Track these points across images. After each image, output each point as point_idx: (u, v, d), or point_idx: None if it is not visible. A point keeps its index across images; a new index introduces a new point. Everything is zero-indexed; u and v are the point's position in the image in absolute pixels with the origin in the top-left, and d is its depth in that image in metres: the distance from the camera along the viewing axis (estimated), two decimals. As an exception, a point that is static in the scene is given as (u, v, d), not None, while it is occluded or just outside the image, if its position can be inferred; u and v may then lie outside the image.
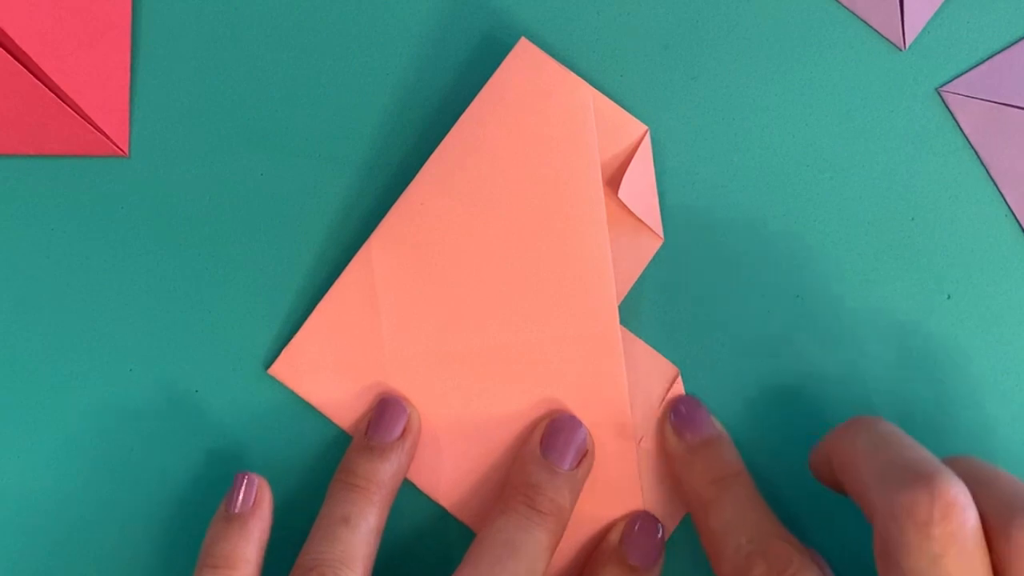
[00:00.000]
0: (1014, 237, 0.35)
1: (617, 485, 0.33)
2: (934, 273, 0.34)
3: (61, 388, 0.34)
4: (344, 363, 0.33)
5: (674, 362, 0.34)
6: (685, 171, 0.34)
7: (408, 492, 0.33)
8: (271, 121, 0.34)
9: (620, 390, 0.33)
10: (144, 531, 0.34)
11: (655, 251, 0.34)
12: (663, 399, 0.34)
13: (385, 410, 0.32)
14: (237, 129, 0.34)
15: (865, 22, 0.35)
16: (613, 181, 0.33)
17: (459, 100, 0.34)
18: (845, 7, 0.35)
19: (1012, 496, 0.26)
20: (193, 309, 0.34)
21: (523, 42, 0.33)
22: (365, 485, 0.31)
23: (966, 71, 0.35)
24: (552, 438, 0.32)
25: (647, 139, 0.33)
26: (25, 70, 0.33)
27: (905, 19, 0.34)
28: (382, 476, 0.31)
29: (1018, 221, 0.34)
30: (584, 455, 0.32)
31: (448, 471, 0.33)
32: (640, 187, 0.33)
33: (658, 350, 0.34)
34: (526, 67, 0.33)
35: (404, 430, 0.32)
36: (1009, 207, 0.35)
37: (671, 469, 0.33)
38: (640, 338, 0.34)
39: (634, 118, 0.33)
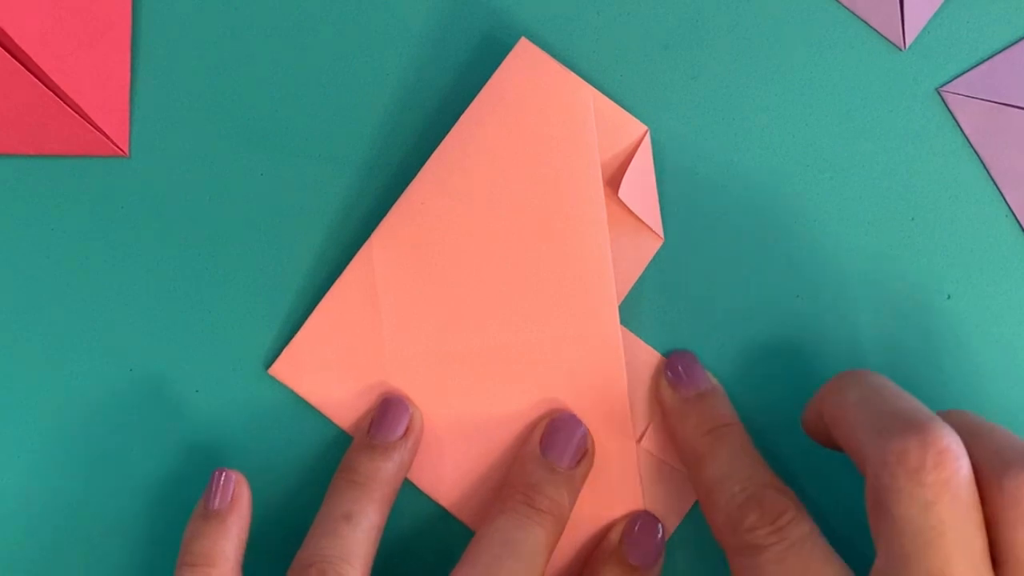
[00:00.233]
0: (1014, 237, 0.35)
1: (617, 485, 0.33)
2: (934, 273, 0.34)
3: (61, 388, 0.34)
4: (344, 363, 0.33)
5: (674, 362, 0.34)
6: (685, 171, 0.34)
7: (408, 492, 0.33)
8: (271, 121, 0.34)
9: (620, 390, 0.33)
10: (144, 530, 0.34)
11: (655, 251, 0.34)
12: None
13: (388, 409, 0.32)
14: (237, 129, 0.34)
15: (865, 22, 0.35)
16: (613, 181, 0.33)
17: (459, 100, 0.34)
18: (845, 7, 0.35)
19: (1006, 448, 0.26)
20: (193, 309, 0.34)
21: (523, 42, 0.33)
22: (366, 483, 0.31)
23: (966, 71, 0.35)
24: (552, 437, 0.32)
25: (647, 139, 0.33)
26: (25, 70, 0.33)
27: (905, 19, 0.34)
28: (384, 474, 0.31)
29: (1018, 221, 0.34)
30: (584, 454, 0.32)
31: (448, 471, 0.33)
32: (640, 187, 0.33)
33: (658, 350, 0.34)
34: (526, 67, 0.33)
35: (407, 429, 0.32)
36: (1009, 207, 0.35)
37: (666, 424, 0.33)
38: (640, 338, 0.34)
39: (634, 118, 0.33)
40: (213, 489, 0.31)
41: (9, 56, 0.33)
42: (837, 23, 0.35)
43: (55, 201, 0.34)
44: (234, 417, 0.34)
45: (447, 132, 0.33)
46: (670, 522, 0.33)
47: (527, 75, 0.33)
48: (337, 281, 0.33)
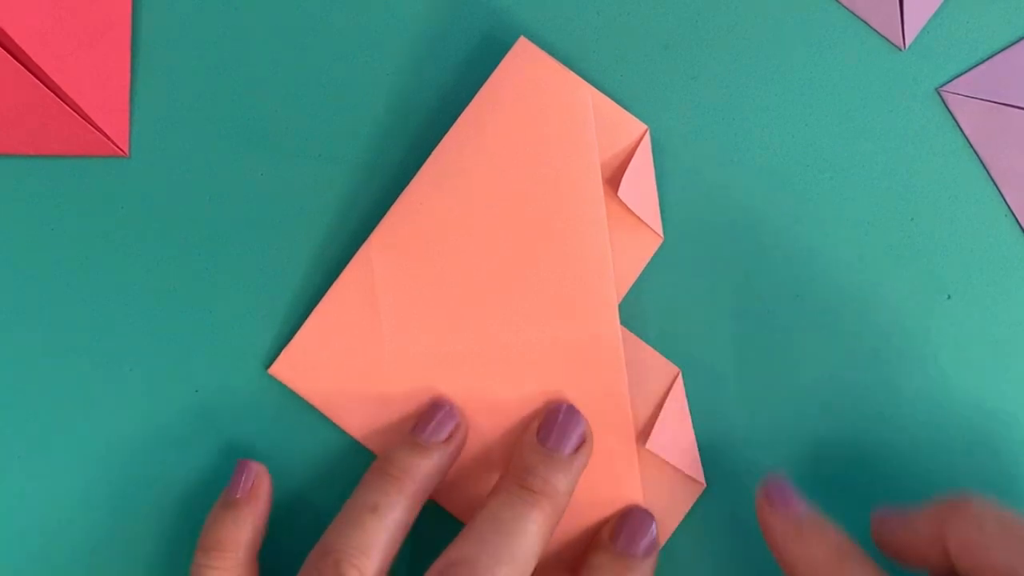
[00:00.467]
0: (1014, 237, 0.35)
1: (618, 485, 0.33)
2: (934, 273, 0.34)
3: (61, 388, 0.34)
4: (344, 363, 0.33)
5: (674, 362, 0.34)
6: (685, 171, 0.34)
7: (408, 492, 0.33)
8: (271, 121, 0.34)
9: (621, 390, 0.33)
10: (143, 530, 0.34)
11: (655, 250, 0.34)
12: (663, 399, 0.34)
13: (436, 411, 0.32)
14: (237, 129, 0.34)
15: (865, 22, 0.35)
16: (613, 180, 0.33)
17: (459, 100, 0.34)
18: (845, 7, 0.35)
19: None
20: (193, 309, 0.34)
21: (522, 41, 0.33)
22: (400, 475, 0.30)
23: (966, 71, 0.35)
24: (549, 424, 0.32)
25: (647, 138, 0.33)
26: (25, 70, 0.33)
27: (905, 19, 0.34)
28: (419, 471, 0.31)
29: (1018, 221, 0.34)
30: (582, 442, 0.32)
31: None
32: (640, 186, 0.33)
33: (658, 350, 0.34)
34: (525, 66, 0.33)
35: (450, 434, 0.32)
36: (1009, 207, 0.35)
37: (774, 552, 0.31)
38: (640, 338, 0.34)
39: (634, 117, 0.33)
40: (235, 479, 0.32)
41: (9, 56, 0.33)
42: (837, 23, 0.35)
43: (55, 201, 0.34)
44: (234, 417, 0.34)
45: (446, 132, 0.33)
46: (671, 522, 0.33)
47: (526, 74, 0.33)
48: (336, 281, 0.33)
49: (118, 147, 0.34)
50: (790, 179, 0.35)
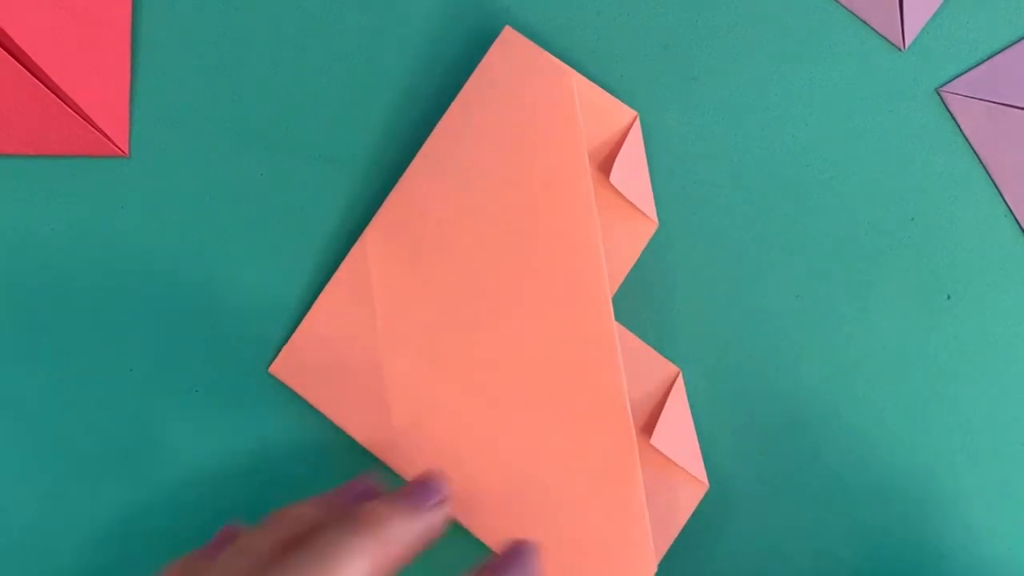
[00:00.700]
0: (1014, 237, 0.35)
1: (617, 485, 0.33)
2: (934, 273, 0.34)
3: (61, 388, 0.34)
4: (341, 360, 0.33)
5: (674, 362, 0.34)
6: (684, 171, 0.34)
7: (408, 492, 0.33)
8: (271, 121, 0.34)
9: (618, 388, 0.33)
10: (143, 530, 0.34)
11: (650, 236, 0.34)
12: (664, 399, 0.33)
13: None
14: (237, 129, 0.34)
15: (865, 22, 0.35)
16: (604, 167, 0.33)
17: (459, 100, 0.34)
18: (845, 7, 0.35)
19: None
20: (193, 309, 0.34)
21: (507, 30, 0.33)
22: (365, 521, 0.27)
23: (966, 71, 0.35)
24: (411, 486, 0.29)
25: (637, 124, 0.33)
26: (25, 70, 0.33)
27: (905, 19, 0.34)
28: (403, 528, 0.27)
29: (1018, 221, 0.34)
30: (440, 503, 0.29)
31: (440, 467, 0.33)
32: (632, 172, 0.33)
33: (657, 349, 0.34)
34: (511, 54, 0.33)
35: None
36: (1009, 207, 0.35)
37: None
38: (640, 338, 0.34)
39: (623, 104, 0.33)
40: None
41: (9, 56, 0.33)
42: (837, 23, 0.35)
43: (55, 201, 0.34)
44: (234, 417, 0.34)
45: (446, 131, 0.33)
46: (676, 522, 0.33)
47: (512, 63, 0.33)
48: (332, 277, 0.33)
49: (118, 147, 0.34)
50: (790, 179, 0.35)
